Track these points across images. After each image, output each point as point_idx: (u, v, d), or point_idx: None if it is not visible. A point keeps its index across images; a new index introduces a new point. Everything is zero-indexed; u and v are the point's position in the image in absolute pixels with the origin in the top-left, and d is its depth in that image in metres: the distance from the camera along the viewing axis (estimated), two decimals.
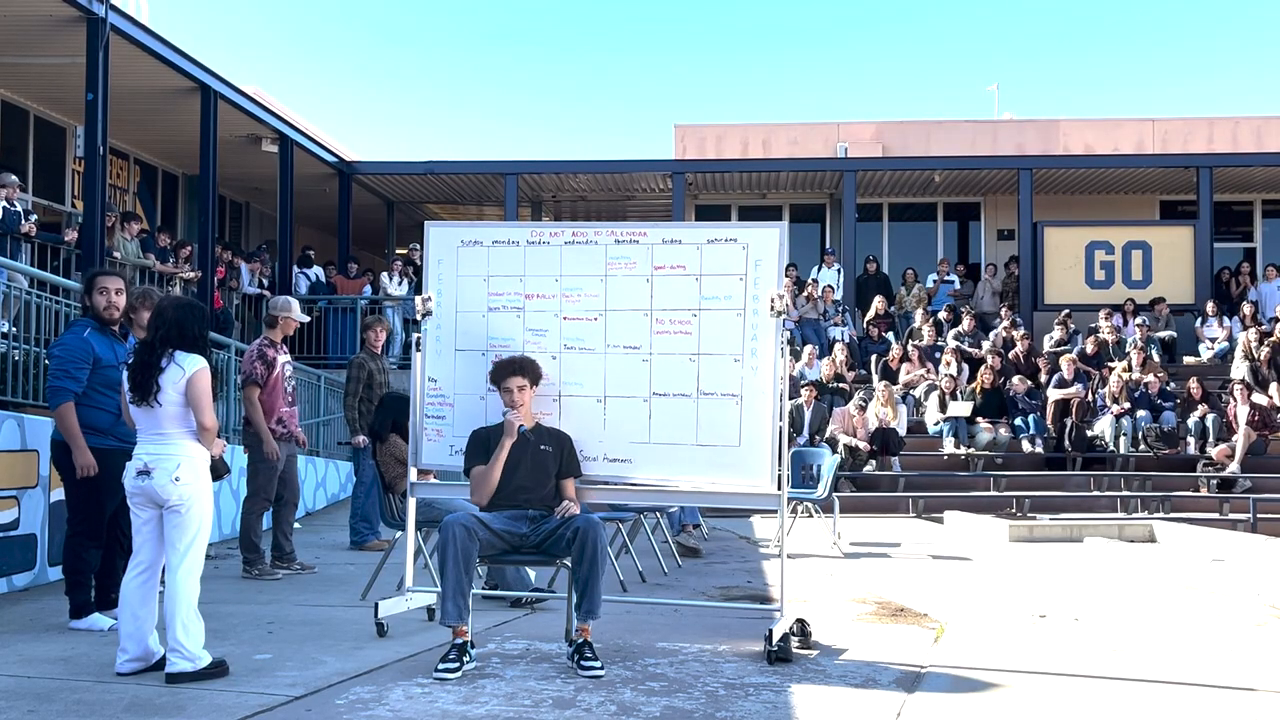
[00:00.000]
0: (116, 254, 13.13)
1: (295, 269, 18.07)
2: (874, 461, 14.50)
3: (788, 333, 6.88)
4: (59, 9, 12.08)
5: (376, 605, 5.91)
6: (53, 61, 13.31)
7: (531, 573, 6.91)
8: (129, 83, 13.84)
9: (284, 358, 8.39)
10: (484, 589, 6.79)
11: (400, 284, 18.02)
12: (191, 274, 14.57)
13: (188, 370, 5.00)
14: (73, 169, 15.66)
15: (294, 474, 8.53)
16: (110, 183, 15.19)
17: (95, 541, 6.13)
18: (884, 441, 14.48)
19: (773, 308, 5.67)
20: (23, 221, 11.50)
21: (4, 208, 11.27)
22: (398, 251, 21.18)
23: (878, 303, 18.37)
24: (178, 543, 4.93)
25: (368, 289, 18.20)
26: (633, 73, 64.68)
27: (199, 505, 4.99)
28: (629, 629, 6.13)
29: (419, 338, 6.15)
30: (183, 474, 4.94)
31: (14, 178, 11.88)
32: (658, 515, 8.92)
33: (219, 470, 5.21)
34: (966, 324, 17.69)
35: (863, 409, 14.58)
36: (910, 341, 17.47)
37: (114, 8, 12.48)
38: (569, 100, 65.34)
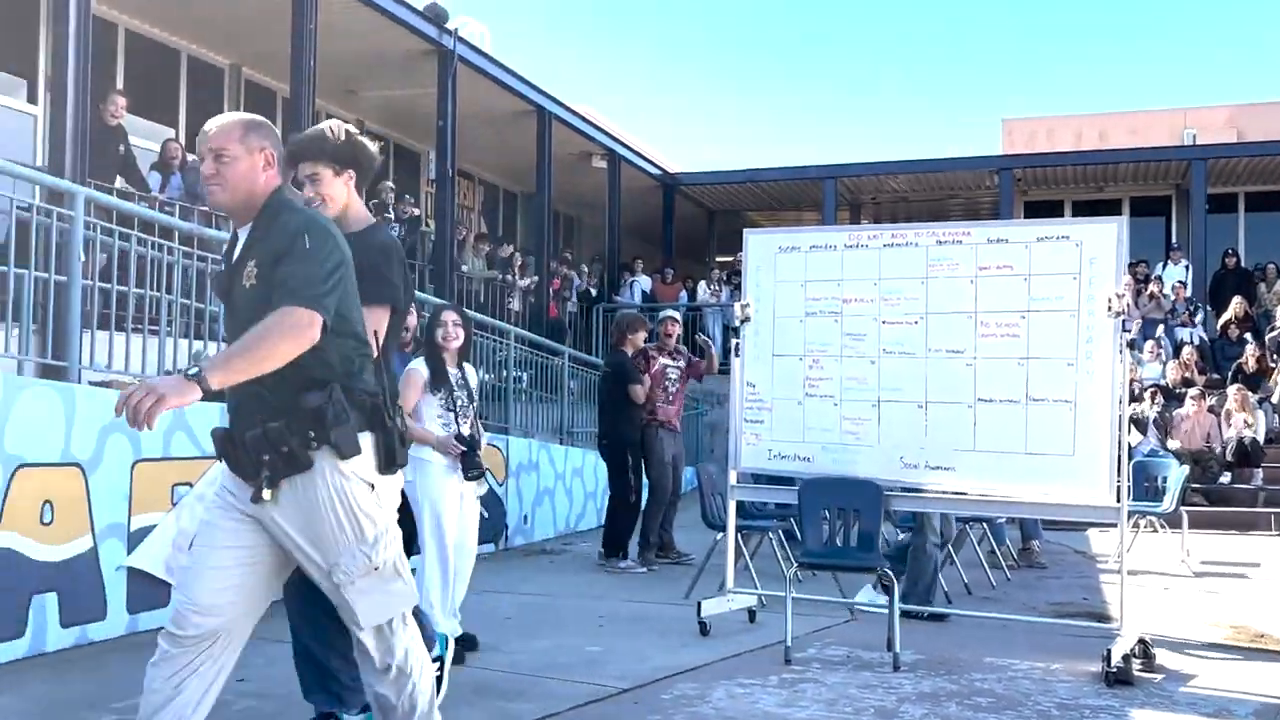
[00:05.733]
0: (464, 267, 14.20)
1: (628, 277, 18.74)
2: (1230, 473, 13.31)
3: (1127, 335, 6.48)
4: (413, 43, 13.20)
5: (699, 604, 6.07)
6: (407, 93, 14.54)
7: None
8: (472, 109, 14.89)
9: (665, 360, 9.09)
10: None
11: (721, 291, 18.33)
12: (526, 281, 15.51)
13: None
14: (425, 190, 17.03)
15: (679, 471, 9.22)
16: (458, 202, 16.41)
17: None
18: (1241, 451, 13.26)
19: (1109, 308, 5.38)
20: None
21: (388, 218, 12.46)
22: (718, 260, 21.56)
23: (1236, 304, 16.69)
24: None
25: (684, 295, 18.63)
26: (958, 70, 62.62)
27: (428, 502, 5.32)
28: (955, 642, 5.96)
29: (738, 343, 6.28)
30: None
31: (389, 184, 13.26)
32: (984, 526, 8.63)
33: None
34: None
35: (1214, 414, 13.40)
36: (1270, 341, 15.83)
37: (461, 39, 13.51)
38: (888, 101, 64.15)
